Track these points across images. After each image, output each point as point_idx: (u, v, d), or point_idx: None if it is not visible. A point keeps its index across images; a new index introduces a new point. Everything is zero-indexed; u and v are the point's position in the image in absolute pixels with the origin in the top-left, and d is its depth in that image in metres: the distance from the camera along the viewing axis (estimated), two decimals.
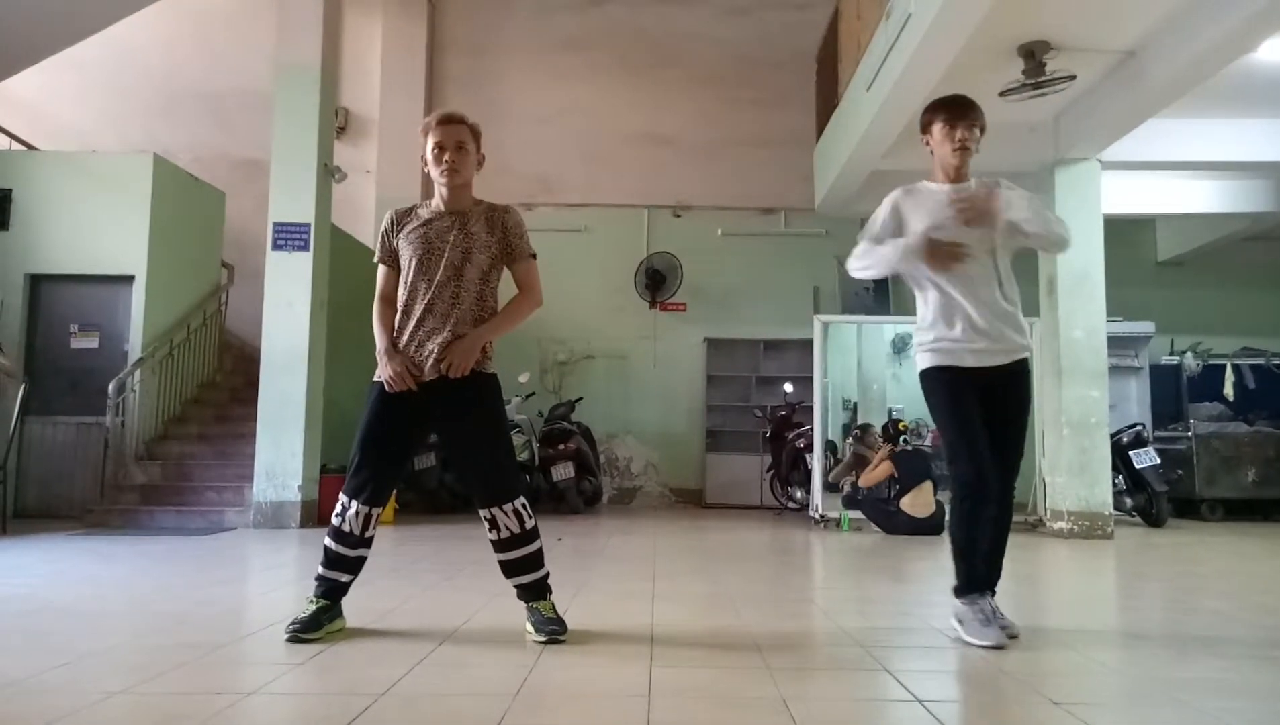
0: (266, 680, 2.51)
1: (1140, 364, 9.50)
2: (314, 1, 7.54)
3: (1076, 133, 7.01)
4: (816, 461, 7.87)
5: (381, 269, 3.21)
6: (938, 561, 5.65)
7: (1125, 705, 2.48)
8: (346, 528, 3.03)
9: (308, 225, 7.37)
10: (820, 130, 8.97)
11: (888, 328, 10.16)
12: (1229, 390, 9.58)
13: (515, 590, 3.16)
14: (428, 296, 3.07)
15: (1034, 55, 6.00)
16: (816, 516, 7.63)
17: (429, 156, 3.20)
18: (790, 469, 8.81)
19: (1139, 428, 8.16)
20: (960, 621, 3.09)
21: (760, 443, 9.50)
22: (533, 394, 9.48)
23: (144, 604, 3.82)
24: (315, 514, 7.22)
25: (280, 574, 4.96)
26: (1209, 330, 10.02)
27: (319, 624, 3.01)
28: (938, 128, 3.22)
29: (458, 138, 3.20)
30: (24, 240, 8.14)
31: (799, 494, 8.72)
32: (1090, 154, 7.16)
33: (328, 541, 3.08)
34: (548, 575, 3.18)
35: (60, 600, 3.87)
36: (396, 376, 3.02)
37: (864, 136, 7.07)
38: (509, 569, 3.14)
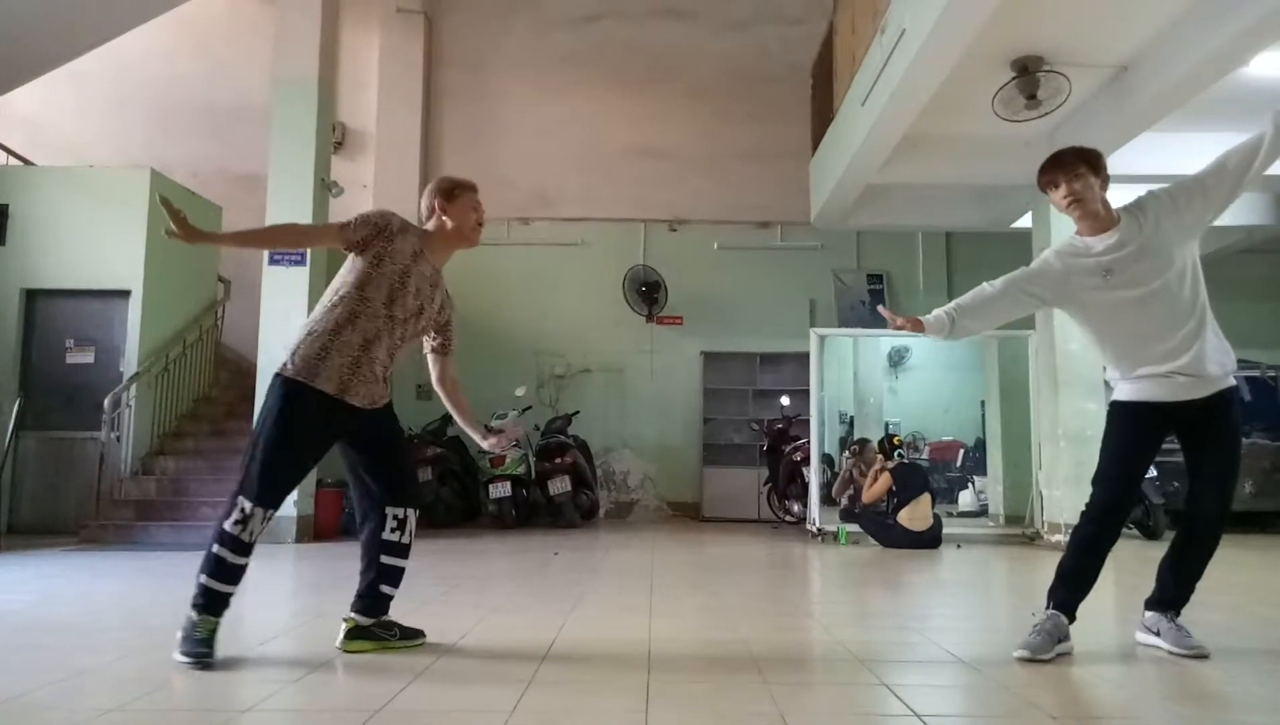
0: (262, 697, 2.50)
1: None
2: (312, 16, 7.57)
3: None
4: (813, 475, 7.86)
5: (336, 230, 3.06)
6: (935, 575, 5.64)
7: (1126, 719, 2.47)
8: (249, 537, 2.96)
9: None
10: (816, 144, 9.01)
11: (884, 341, 10.18)
12: None
13: (364, 602, 3.16)
14: (384, 328, 3.03)
15: (1028, 69, 6.04)
16: (814, 530, 7.61)
17: (459, 213, 3.22)
18: (787, 482, 8.80)
19: None
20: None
21: (757, 456, 9.49)
22: (529, 408, 9.47)
23: (139, 620, 3.79)
24: (312, 529, 7.19)
25: (276, 590, 4.94)
26: None
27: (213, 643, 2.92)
28: (1050, 193, 3.20)
29: (483, 210, 3.32)
30: (21, 255, 8.13)
31: (796, 507, 8.70)
32: None
33: (224, 553, 2.94)
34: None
35: (54, 616, 3.85)
36: None
37: (859, 150, 7.10)
38: (395, 577, 3.22)
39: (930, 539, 6.87)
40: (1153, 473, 7.80)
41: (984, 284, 3.27)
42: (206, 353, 9.03)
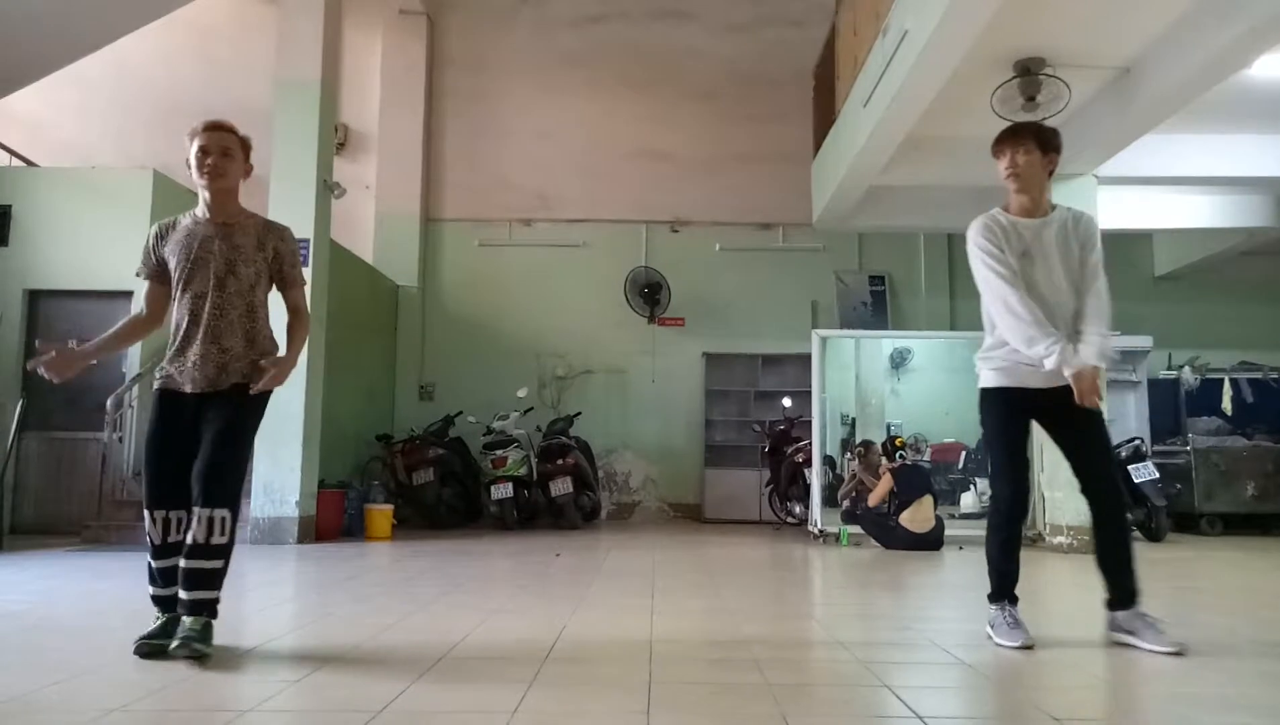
0: (264, 697, 2.50)
1: (1138, 378, 9.51)
2: (314, 18, 7.58)
3: (1072, 148, 7.00)
4: (815, 476, 7.86)
5: (146, 284, 3.23)
6: (937, 576, 5.64)
7: (1127, 721, 2.47)
8: (154, 539, 3.02)
9: (306, 241, 7.38)
10: (818, 146, 9.01)
11: (886, 342, 10.17)
12: (1227, 404, 9.59)
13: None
14: (192, 308, 3.10)
15: (1030, 71, 6.05)
16: (815, 531, 7.61)
17: (192, 161, 3.13)
18: (789, 484, 8.80)
19: (1137, 442, 8.15)
20: (991, 625, 3.31)
21: (759, 458, 9.49)
22: (531, 409, 9.47)
23: (141, 620, 3.78)
24: (313, 529, 7.19)
25: (277, 590, 4.94)
26: (1206, 344, 10.04)
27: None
28: (996, 160, 3.35)
29: (223, 144, 3.14)
30: (23, 256, 8.15)
31: (798, 509, 8.70)
32: (1086, 169, 7.19)
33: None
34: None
35: (56, 617, 3.85)
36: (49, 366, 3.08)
37: (861, 152, 7.09)
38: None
39: (932, 541, 6.87)
40: (1155, 474, 7.80)
41: (1015, 299, 3.18)
42: None
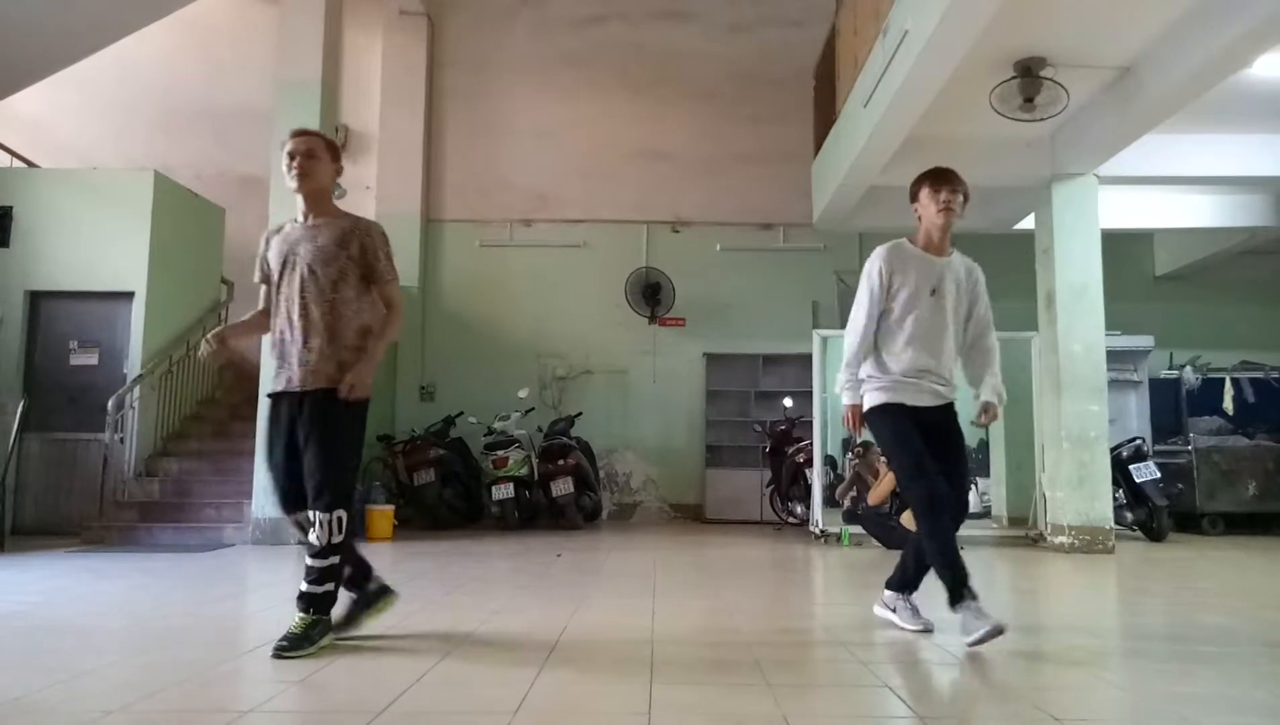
0: (265, 698, 2.50)
1: (1139, 378, 9.50)
2: (314, 18, 7.58)
3: (1073, 148, 7.04)
4: (816, 476, 7.85)
5: (263, 287, 3.42)
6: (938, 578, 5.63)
7: (1129, 721, 2.47)
8: (295, 540, 3.33)
9: None
10: (818, 146, 9.00)
11: None
12: (1228, 404, 9.58)
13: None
14: (286, 309, 3.23)
15: (1030, 71, 6.04)
16: (816, 532, 7.61)
17: (283, 167, 3.33)
18: (790, 484, 8.79)
19: (1139, 442, 8.15)
20: (893, 610, 3.66)
21: (760, 458, 9.48)
22: (532, 409, 9.47)
23: (142, 621, 3.80)
24: None
25: (279, 591, 4.94)
26: (1207, 344, 10.03)
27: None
28: (925, 192, 3.53)
29: (308, 146, 3.31)
30: (24, 257, 8.15)
31: (799, 509, 8.69)
32: (1087, 169, 7.19)
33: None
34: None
35: (57, 618, 3.85)
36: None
37: (861, 152, 7.09)
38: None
39: None
40: (1156, 474, 7.80)
41: (864, 328, 3.53)
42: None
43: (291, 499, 3.16)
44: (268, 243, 3.39)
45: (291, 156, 3.27)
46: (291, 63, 7.55)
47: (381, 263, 3.31)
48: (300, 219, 3.35)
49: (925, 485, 3.35)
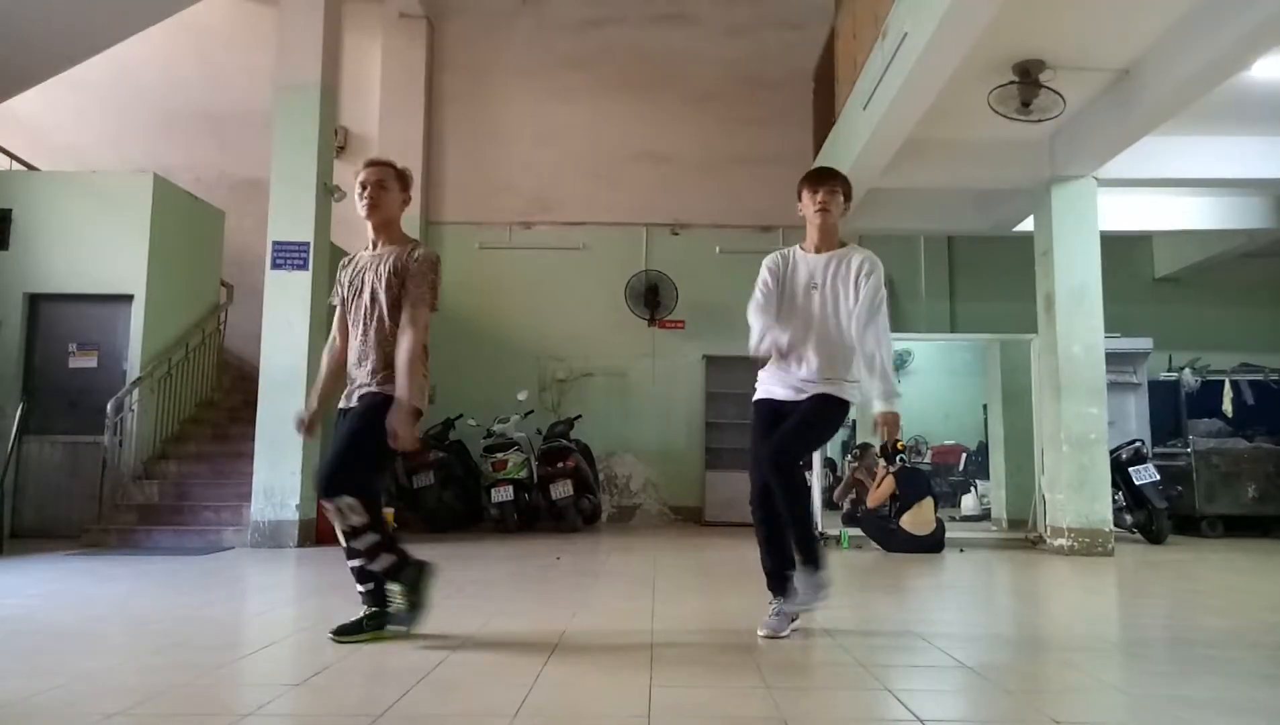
0: (264, 701, 2.50)
1: (1139, 380, 9.50)
2: (314, 21, 7.58)
3: (1072, 151, 7.05)
4: (815, 479, 7.85)
5: (338, 310, 3.53)
6: (938, 579, 5.63)
7: (1129, 723, 2.46)
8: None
9: (307, 244, 7.38)
10: (817, 149, 9.01)
11: None
12: (1227, 406, 9.58)
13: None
14: (354, 334, 3.38)
15: (1029, 73, 6.05)
16: (816, 534, 7.60)
17: (355, 195, 3.44)
18: None
19: (1138, 444, 8.15)
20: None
21: None
22: (531, 412, 9.47)
23: (141, 624, 3.80)
24: (313, 533, 7.18)
25: (278, 594, 4.94)
26: (1207, 346, 10.03)
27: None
28: (804, 193, 3.69)
29: (379, 176, 3.40)
30: (23, 260, 8.15)
31: None
32: (1086, 172, 7.19)
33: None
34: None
35: (57, 621, 3.85)
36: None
37: (860, 154, 7.10)
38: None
39: (933, 543, 6.87)
40: (1155, 476, 7.80)
41: (759, 305, 3.69)
42: (209, 357, 9.04)
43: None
44: (343, 269, 3.51)
45: (364, 186, 3.36)
46: (291, 65, 7.55)
47: (414, 285, 3.30)
48: (370, 247, 3.45)
49: (753, 480, 3.53)
